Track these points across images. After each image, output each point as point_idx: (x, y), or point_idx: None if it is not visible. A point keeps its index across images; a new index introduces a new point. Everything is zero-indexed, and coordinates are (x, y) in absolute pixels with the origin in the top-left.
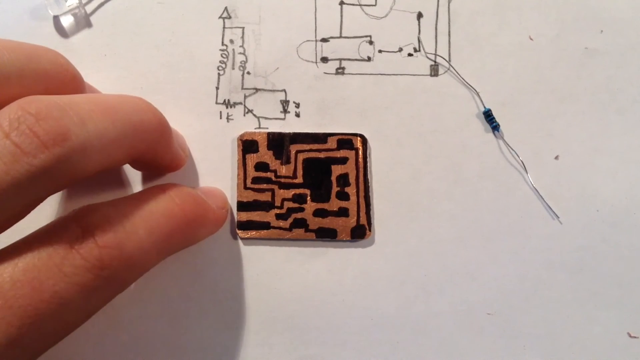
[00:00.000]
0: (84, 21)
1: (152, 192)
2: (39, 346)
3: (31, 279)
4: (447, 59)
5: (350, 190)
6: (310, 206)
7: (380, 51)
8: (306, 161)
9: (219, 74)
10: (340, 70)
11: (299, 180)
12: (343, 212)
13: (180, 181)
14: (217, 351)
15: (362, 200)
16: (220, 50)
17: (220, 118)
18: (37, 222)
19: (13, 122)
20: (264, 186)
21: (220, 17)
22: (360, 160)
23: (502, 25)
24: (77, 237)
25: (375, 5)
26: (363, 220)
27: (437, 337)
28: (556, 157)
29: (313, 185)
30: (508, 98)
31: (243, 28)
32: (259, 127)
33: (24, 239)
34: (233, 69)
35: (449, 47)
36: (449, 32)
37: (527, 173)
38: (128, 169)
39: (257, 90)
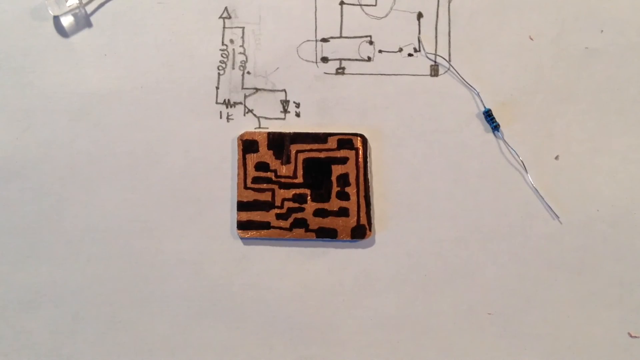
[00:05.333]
0: (84, 21)
1: None
2: None
3: None
4: (447, 59)
5: (351, 190)
6: (310, 206)
7: (380, 51)
8: (306, 161)
9: (219, 73)
10: (340, 70)
11: (299, 180)
12: (343, 212)
13: (181, 182)
14: (217, 351)
15: (362, 200)
16: (220, 50)
17: (220, 118)
18: (40, 216)
19: None
20: (264, 186)
21: (220, 17)
22: (361, 160)
23: (502, 25)
24: None
25: (375, 5)
26: (363, 220)
27: (437, 337)
28: (556, 157)
29: (313, 185)
30: (508, 98)
31: (243, 28)
32: (259, 127)
33: None
34: (233, 68)
35: (449, 47)
36: (449, 32)
37: (527, 173)
38: (131, 168)
39: (257, 90)
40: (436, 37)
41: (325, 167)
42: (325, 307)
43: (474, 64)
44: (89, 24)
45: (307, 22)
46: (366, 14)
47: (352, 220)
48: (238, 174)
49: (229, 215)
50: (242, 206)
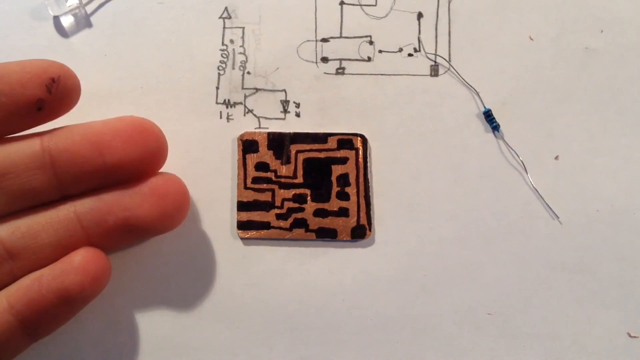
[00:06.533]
0: (84, 21)
1: None
2: None
3: None
4: (447, 59)
5: (351, 190)
6: (310, 206)
7: (380, 51)
8: (306, 161)
9: (219, 73)
10: (340, 70)
11: (299, 180)
12: (343, 212)
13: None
14: (217, 351)
15: (362, 200)
16: (221, 50)
17: (221, 118)
18: None
19: None
20: (264, 186)
21: (220, 17)
22: (361, 160)
23: (502, 25)
24: None
25: (375, 5)
26: (363, 220)
27: (437, 337)
28: (556, 157)
29: (313, 185)
30: (508, 98)
31: (243, 28)
32: (259, 127)
33: None
34: (233, 69)
35: (449, 47)
36: (449, 32)
37: (527, 173)
38: None
39: (257, 90)
40: (436, 37)
41: (325, 167)
42: (325, 307)
43: (474, 64)
44: (89, 24)
45: (307, 22)
46: (366, 14)
47: (352, 220)
48: (238, 174)
49: (229, 215)
50: (242, 206)
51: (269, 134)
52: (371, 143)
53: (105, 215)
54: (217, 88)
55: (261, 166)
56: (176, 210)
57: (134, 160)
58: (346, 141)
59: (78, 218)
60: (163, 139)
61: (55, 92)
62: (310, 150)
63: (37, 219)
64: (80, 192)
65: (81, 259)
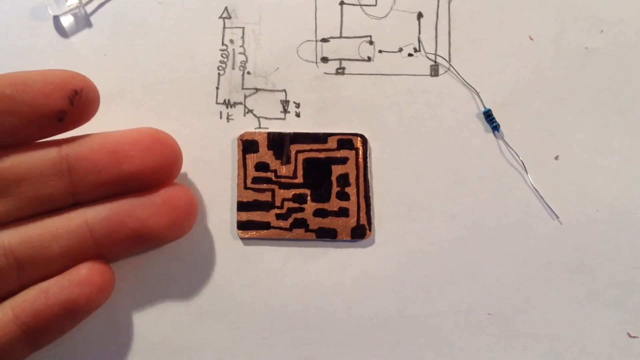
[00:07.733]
0: (84, 21)
1: None
2: None
3: None
4: (447, 59)
5: (351, 190)
6: (310, 206)
7: (380, 51)
8: (306, 161)
9: (219, 74)
10: (340, 70)
11: (299, 180)
12: (343, 212)
13: (180, 182)
14: (217, 351)
15: (362, 200)
16: (221, 50)
17: (220, 118)
18: None
19: None
20: (264, 186)
21: (220, 17)
22: (361, 160)
23: (502, 25)
24: None
25: (375, 5)
26: (363, 220)
27: (437, 337)
28: (556, 157)
29: (313, 185)
30: (508, 98)
31: (243, 28)
32: (259, 127)
33: None
34: (233, 69)
35: (449, 47)
36: (449, 32)
37: (527, 173)
38: None
39: (257, 90)
40: (436, 37)
41: (325, 167)
42: (325, 307)
43: (474, 64)
44: (89, 24)
45: (307, 22)
46: (366, 14)
47: (352, 220)
48: (238, 174)
49: (229, 215)
50: (242, 206)
51: (269, 134)
52: (371, 143)
53: (117, 227)
54: (217, 88)
55: (261, 166)
56: (186, 220)
57: (150, 170)
58: (346, 141)
59: (89, 229)
60: (179, 151)
61: (77, 104)
62: (310, 150)
63: (48, 229)
64: (93, 199)
65: (88, 271)
